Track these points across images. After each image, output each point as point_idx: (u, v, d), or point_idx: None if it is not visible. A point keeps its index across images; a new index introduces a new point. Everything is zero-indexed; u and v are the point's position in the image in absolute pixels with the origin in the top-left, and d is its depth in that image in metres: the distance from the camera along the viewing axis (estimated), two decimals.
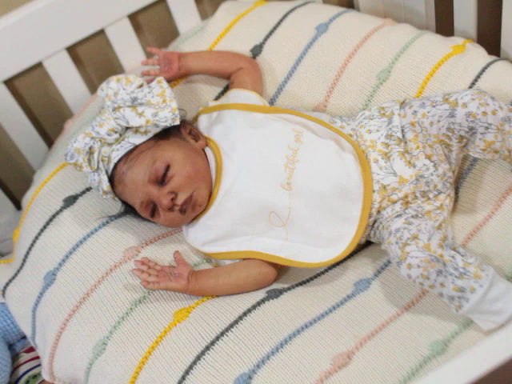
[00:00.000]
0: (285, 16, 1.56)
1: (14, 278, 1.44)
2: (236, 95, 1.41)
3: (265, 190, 1.28)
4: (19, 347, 1.52)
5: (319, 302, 1.25)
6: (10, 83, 1.62)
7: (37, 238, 1.42)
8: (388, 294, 1.23)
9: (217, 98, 1.52)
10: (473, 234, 1.27)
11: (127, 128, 1.31)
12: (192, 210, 1.30)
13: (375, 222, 1.29)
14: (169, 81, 1.47)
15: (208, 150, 1.35)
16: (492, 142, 1.19)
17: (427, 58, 1.42)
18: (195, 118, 1.45)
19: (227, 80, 1.52)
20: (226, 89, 1.52)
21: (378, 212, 1.28)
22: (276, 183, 1.27)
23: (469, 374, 0.84)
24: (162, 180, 1.28)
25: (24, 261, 1.43)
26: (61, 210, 1.44)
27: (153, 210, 1.30)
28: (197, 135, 1.36)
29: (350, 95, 1.46)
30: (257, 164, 1.29)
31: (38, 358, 1.47)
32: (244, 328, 1.21)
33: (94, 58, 1.70)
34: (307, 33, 1.52)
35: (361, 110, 1.43)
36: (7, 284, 1.44)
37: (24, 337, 1.51)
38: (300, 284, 1.31)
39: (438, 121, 1.22)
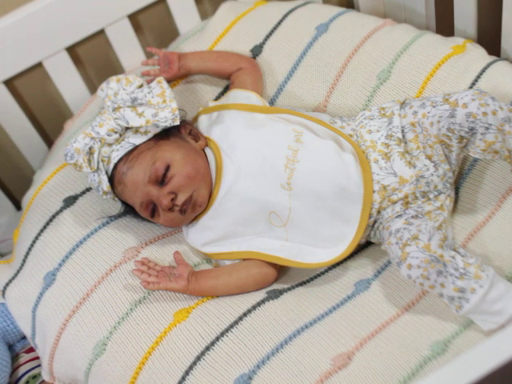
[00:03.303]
0: (285, 16, 1.56)
1: (13, 278, 1.44)
2: (236, 95, 1.41)
3: (265, 190, 1.27)
4: (19, 348, 1.52)
5: (319, 302, 1.25)
6: (10, 83, 1.62)
7: (37, 238, 1.42)
8: (388, 295, 1.23)
9: (217, 99, 1.52)
10: (473, 234, 1.27)
11: (127, 128, 1.31)
12: (192, 210, 1.30)
13: (375, 222, 1.29)
14: (169, 81, 1.47)
15: (208, 151, 1.35)
16: (492, 143, 1.19)
17: (427, 58, 1.42)
18: (195, 118, 1.44)
19: (227, 80, 1.51)
20: (226, 89, 1.52)
21: (378, 212, 1.28)
22: (276, 183, 1.27)
23: (469, 374, 0.84)
24: (161, 180, 1.28)
25: (24, 261, 1.43)
26: (61, 211, 1.44)
27: (153, 210, 1.30)
28: (197, 135, 1.36)
29: (350, 95, 1.45)
30: (257, 164, 1.29)
31: (37, 358, 1.47)
32: (244, 328, 1.21)
33: (94, 58, 1.70)
34: (307, 33, 1.52)
35: (361, 110, 1.42)
36: (7, 284, 1.43)
37: (24, 337, 1.51)
38: (300, 284, 1.31)
39: (439, 121, 1.22)
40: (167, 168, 1.27)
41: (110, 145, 1.31)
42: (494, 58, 1.42)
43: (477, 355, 0.86)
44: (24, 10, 1.51)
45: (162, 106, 1.30)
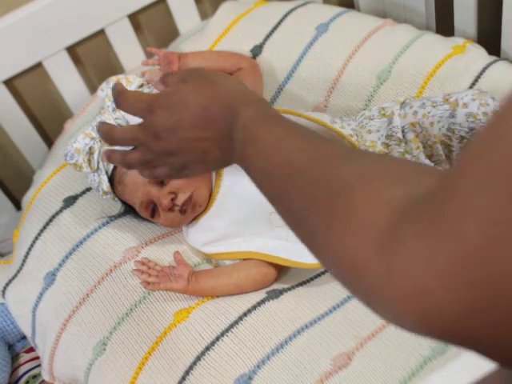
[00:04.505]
0: (285, 16, 1.56)
1: (13, 278, 1.43)
2: None
3: None
4: (19, 347, 1.52)
5: (319, 302, 1.25)
6: (9, 83, 1.62)
7: (37, 238, 1.42)
8: None
9: None
10: None
11: None
12: (192, 210, 1.30)
13: None
14: None
15: None
16: None
17: (427, 58, 1.41)
18: None
19: None
20: None
21: None
22: None
23: (469, 375, 0.84)
24: (161, 180, 1.27)
25: (24, 261, 1.43)
26: (61, 211, 1.44)
27: (153, 210, 1.30)
28: None
29: (350, 95, 1.45)
30: None
31: (37, 358, 1.47)
32: (244, 328, 1.21)
33: (94, 58, 1.70)
34: (307, 33, 1.52)
35: (361, 110, 1.42)
36: (7, 284, 1.43)
37: (24, 337, 1.51)
38: (300, 284, 1.31)
39: (439, 121, 1.22)
40: None
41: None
42: (494, 58, 1.41)
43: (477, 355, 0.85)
44: (24, 10, 1.51)
45: None
